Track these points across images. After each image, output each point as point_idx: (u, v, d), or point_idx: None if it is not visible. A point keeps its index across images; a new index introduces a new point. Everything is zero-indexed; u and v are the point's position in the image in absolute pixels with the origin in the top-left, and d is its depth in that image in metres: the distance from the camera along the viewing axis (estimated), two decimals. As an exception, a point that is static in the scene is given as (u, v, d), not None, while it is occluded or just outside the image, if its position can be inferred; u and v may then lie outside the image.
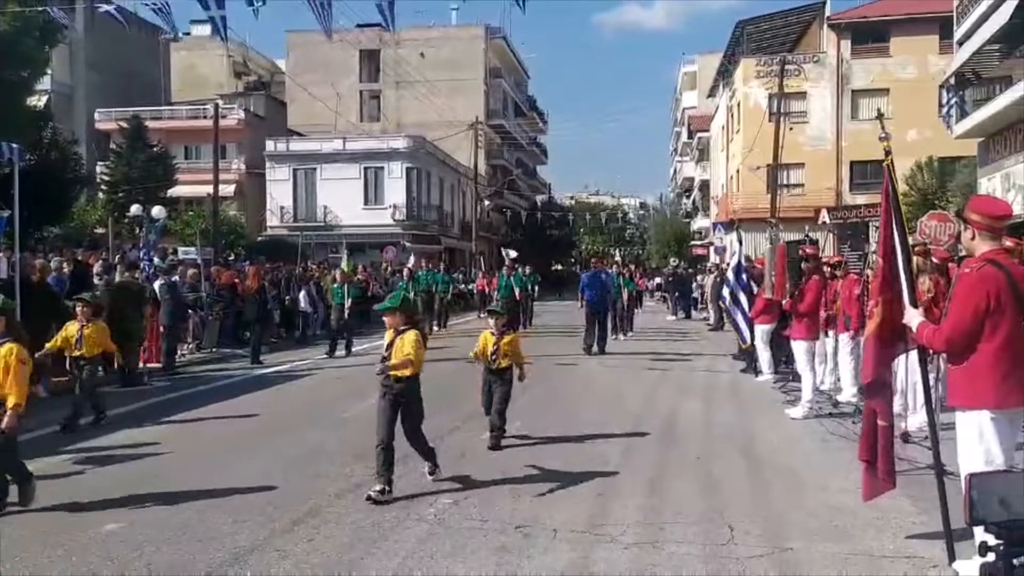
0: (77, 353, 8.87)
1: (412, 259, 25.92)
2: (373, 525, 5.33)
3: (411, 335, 6.06)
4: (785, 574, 4.60)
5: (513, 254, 24.62)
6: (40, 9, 16.04)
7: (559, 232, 67.65)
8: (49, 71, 31.39)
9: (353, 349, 16.16)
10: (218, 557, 4.75)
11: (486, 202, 55.54)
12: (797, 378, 10.26)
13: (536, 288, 25.84)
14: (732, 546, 5.00)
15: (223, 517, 5.51)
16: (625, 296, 20.68)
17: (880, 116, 5.30)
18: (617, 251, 36.46)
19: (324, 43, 50.36)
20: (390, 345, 6.13)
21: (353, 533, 5.20)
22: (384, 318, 6.32)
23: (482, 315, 22.01)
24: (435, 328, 21.08)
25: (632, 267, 31.65)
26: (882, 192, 5.04)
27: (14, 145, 11.41)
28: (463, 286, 33.91)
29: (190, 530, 5.24)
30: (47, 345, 8.70)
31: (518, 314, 20.71)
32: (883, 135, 5.07)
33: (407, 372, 6.08)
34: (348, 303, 16.05)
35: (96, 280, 14.43)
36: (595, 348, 15.91)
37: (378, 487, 5.88)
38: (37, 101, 30.24)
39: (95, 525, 5.35)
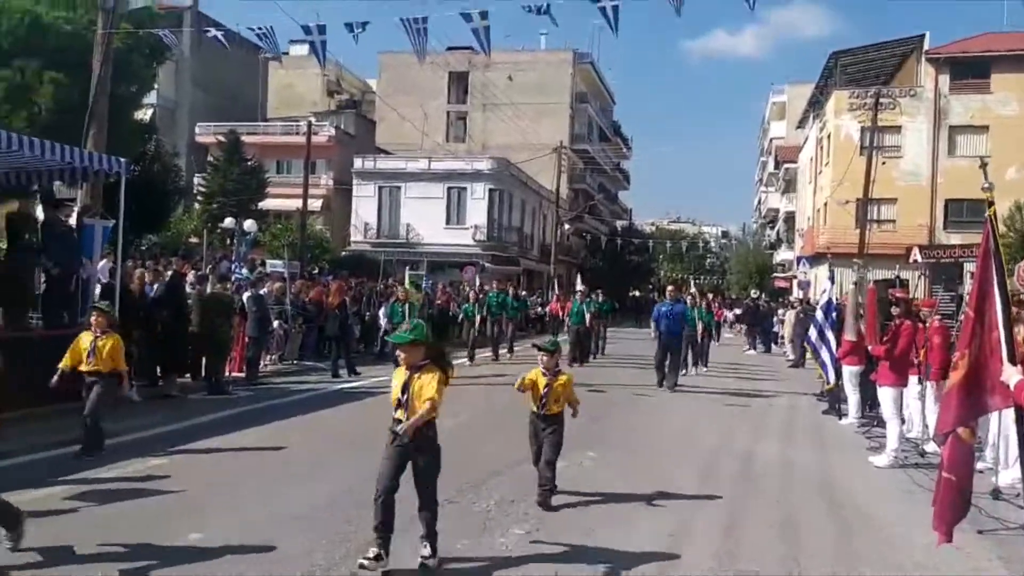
0: (87, 368, 7.79)
1: (477, 279, 25.76)
2: (444, 552, 5.36)
3: (433, 376, 5.01)
4: (863, 632, 4.48)
5: (581, 286, 24.07)
6: (152, 31, 16.80)
7: (638, 258, 67.25)
8: (156, 86, 32.82)
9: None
10: (295, 574, 4.86)
11: (566, 226, 55.59)
12: (883, 424, 9.96)
13: (610, 316, 25.35)
14: (809, 599, 4.89)
15: (299, 534, 5.64)
16: (700, 329, 19.44)
17: (984, 165, 5.16)
18: (693, 280, 34.20)
19: (415, 64, 51.23)
20: (405, 387, 5.05)
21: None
22: (398, 353, 5.21)
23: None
24: (502, 353, 20.51)
25: (710, 297, 30.29)
26: (982, 241, 4.90)
27: (121, 159, 11.94)
28: (538, 309, 33.83)
29: (270, 545, 5.38)
30: (60, 365, 7.77)
31: (588, 342, 20.44)
32: (986, 185, 4.93)
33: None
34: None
35: (188, 289, 15.00)
36: (667, 383, 15.13)
37: (372, 553, 4.94)
38: (143, 115, 31.65)
39: (180, 534, 5.54)
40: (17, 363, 9.70)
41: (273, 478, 7.32)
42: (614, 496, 7.13)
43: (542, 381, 6.76)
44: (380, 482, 5.09)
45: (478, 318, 20.35)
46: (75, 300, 11.45)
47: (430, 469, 5.22)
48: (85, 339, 7.82)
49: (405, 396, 5.03)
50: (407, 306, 15.93)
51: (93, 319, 7.97)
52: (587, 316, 19.91)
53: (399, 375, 5.13)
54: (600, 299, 23.60)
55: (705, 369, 19.75)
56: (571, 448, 9.06)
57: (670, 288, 17.49)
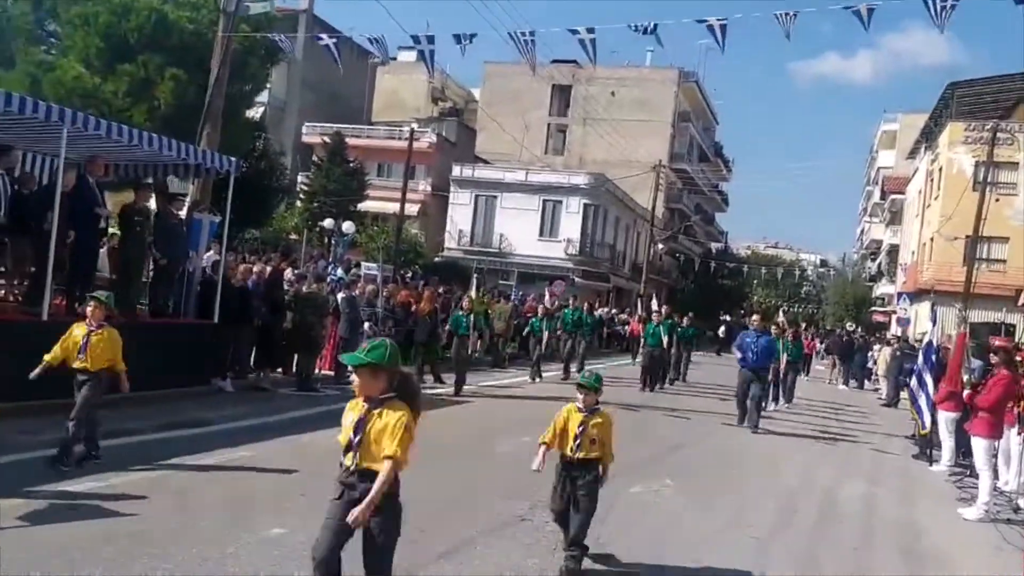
0: (79, 364, 6.87)
1: (547, 295, 24.86)
2: (514, 568, 5.44)
3: (398, 418, 3.85)
4: None
5: (656, 306, 23.54)
6: (268, 35, 17.50)
7: (731, 282, 66.16)
8: (268, 86, 34.01)
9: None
10: (367, 577, 4.99)
11: (660, 245, 55.10)
12: (976, 474, 9.57)
13: (695, 341, 24.17)
14: (881, 653, 4.75)
15: (375, 537, 5.77)
16: (784, 362, 17.70)
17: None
18: (781, 310, 32.45)
19: (518, 75, 52.05)
20: (360, 425, 3.90)
21: (495, 573, 5.32)
22: (353, 378, 4.09)
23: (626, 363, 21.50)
24: (572, 372, 19.16)
25: (798, 327, 28.12)
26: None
27: (232, 158, 12.46)
28: (621, 327, 33.49)
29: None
30: (46, 358, 6.82)
31: (662, 367, 19.43)
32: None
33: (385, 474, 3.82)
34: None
35: (287, 287, 15.49)
36: (748, 422, 13.60)
37: None
38: (254, 113, 32.83)
39: (262, 527, 5.75)
40: (127, 348, 10.26)
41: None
42: (688, 526, 7.06)
43: (576, 418, 5.62)
44: (315, 551, 3.97)
45: (546, 334, 19.39)
46: (180, 291, 11.99)
47: (384, 536, 3.98)
48: (78, 331, 6.82)
49: (358, 438, 3.89)
50: (471, 317, 14.95)
51: (88, 310, 6.89)
52: (664, 339, 18.81)
53: (353, 409, 3.99)
54: (686, 323, 22.84)
55: (787, 405, 18.44)
56: (649, 474, 9.06)
57: (755, 317, 15.81)
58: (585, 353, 20.94)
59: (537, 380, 17.91)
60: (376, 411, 3.92)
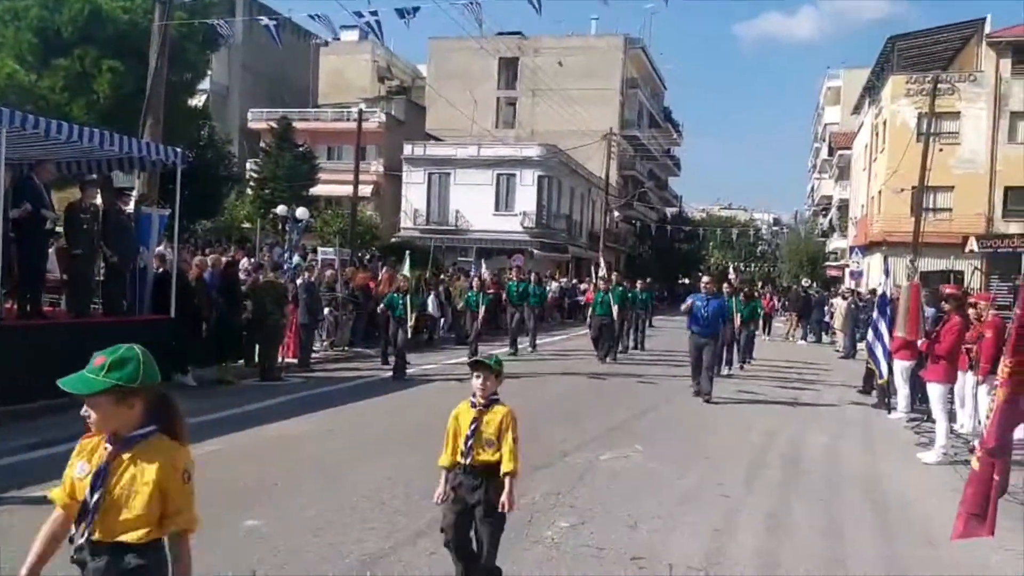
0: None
1: (484, 269, 23.26)
2: (492, 543, 5.46)
3: (160, 460, 2.67)
4: (908, 635, 4.46)
5: (603, 272, 22.12)
6: (205, 21, 17.14)
7: (688, 246, 66.78)
8: (209, 72, 33.34)
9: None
10: (346, 563, 5.01)
11: (615, 213, 55.35)
12: (933, 419, 9.83)
13: (652, 308, 23.09)
14: (853, 599, 4.89)
15: (352, 522, 5.79)
16: (737, 322, 17.14)
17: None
18: (731, 268, 30.58)
19: (464, 50, 51.70)
20: (101, 478, 2.63)
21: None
22: (86, 412, 2.71)
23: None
24: (522, 349, 18.87)
25: (752, 287, 27.40)
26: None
27: (177, 149, 12.23)
28: (581, 298, 33.52)
29: (322, 534, 5.53)
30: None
31: (613, 336, 18.24)
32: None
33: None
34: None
35: (243, 276, 15.30)
36: (704, 391, 12.64)
37: None
38: (197, 101, 32.20)
39: (236, 521, 5.72)
40: (83, 349, 10.07)
41: (325, 466, 7.50)
42: (660, 489, 7.17)
43: (467, 415, 4.35)
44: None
45: (482, 309, 17.38)
46: (133, 288, 11.79)
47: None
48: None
49: (97, 497, 2.62)
50: (408, 298, 13.71)
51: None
52: (614, 308, 17.72)
53: (86, 452, 2.73)
54: (640, 289, 22.02)
55: (745, 365, 18.10)
56: (618, 441, 9.17)
57: (705, 280, 14.07)
58: (536, 326, 20.06)
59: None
60: (127, 455, 2.64)
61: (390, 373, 13.86)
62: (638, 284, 22.60)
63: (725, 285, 17.36)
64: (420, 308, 16.31)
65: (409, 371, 14.27)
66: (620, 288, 19.12)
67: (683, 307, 13.78)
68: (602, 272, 22.44)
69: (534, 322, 19.93)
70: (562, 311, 31.29)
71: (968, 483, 4.71)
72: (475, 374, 4.39)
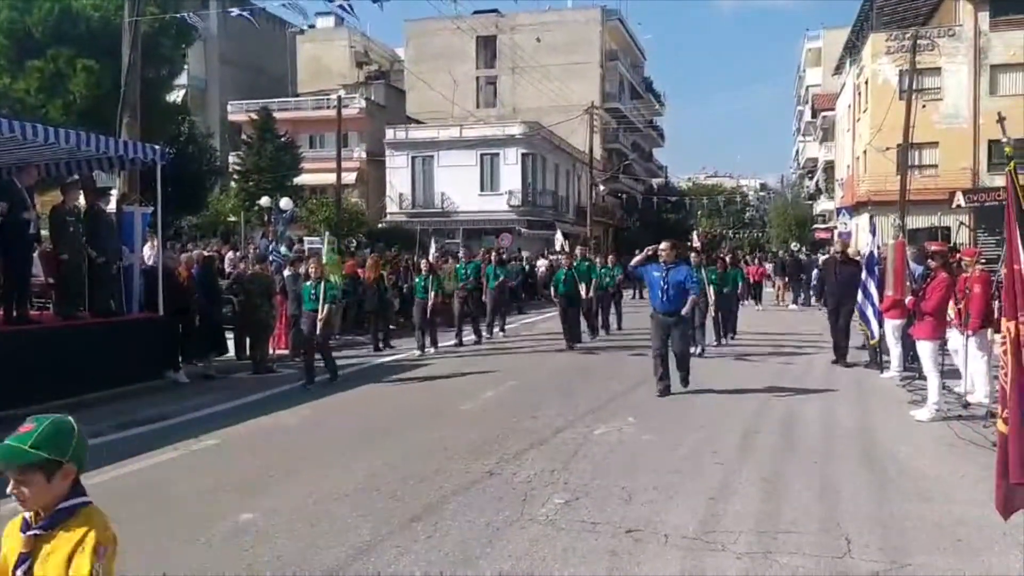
0: None
1: (433, 249, 21.89)
2: (487, 524, 5.50)
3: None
4: (903, 592, 4.50)
5: (559, 246, 20.50)
6: (176, 14, 16.97)
7: (676, 216, 66.82)
8: (185, 66, 33.07)
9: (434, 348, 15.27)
10: (343, 551, 5.02)
11: (601, 187, 55.28)
12: (925, 377, 9.87)
13: (618, 282, 19.80)
14: (849, 560, 4.92)
15: (347, 511, 5.80)
16: (711, 296, 14.95)
17: (1001, 120, 5.09)
18: (695, 232, 22.29)
19: (441, 31, 51.39)
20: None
21: (469, 531, 5.38)
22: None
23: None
24: (495, 332, 17.90)
25: (734, 255, 25.15)
26: (1008, 198, 4.76)
27: (156, 147, 12.14)
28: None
29: (318, 523, 5.55)
30: None
31: (579, 317, 16.45)
32: (1005, 140, 4.87)
33: None
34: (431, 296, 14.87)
35: (229, 269, 15.24)
36: (660, 386, 10.45)
37: None
38: (175, 97, 31.96)
39: (232, 514, 5.73)
40: (73, 352, 10.07)
41: (319, 455, 7.51)
42: (654, 460, 7.20)
43: (15, 543, 2.41)
44: None
45: (431, 295, 15.12)
46: (119, 288, 11.73)
47: None
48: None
49: None
50: (322, 286, 11.51)
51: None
52: (581, 286, 16.05)
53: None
54: (611, 263, 19.89)
55: (722, 342, 16.05)
56: (610, 415, 9.20)
57: (663, 246, 10.66)
58: (496, 309, 18.10)
59: (431, 350, 15.13)
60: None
61: (382, 360, 13.87)
62: (610, 259, 20.61)
63: (693, 255, 15.32)
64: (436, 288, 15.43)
65: (399, 356, 14.25)
66: (586, 263, 17.13)
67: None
68: (560, 245, 20.96)
69: (492, 304, 17.97)
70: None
71: (999, 452, 4.43)
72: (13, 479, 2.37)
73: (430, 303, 14.99)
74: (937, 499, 6.13)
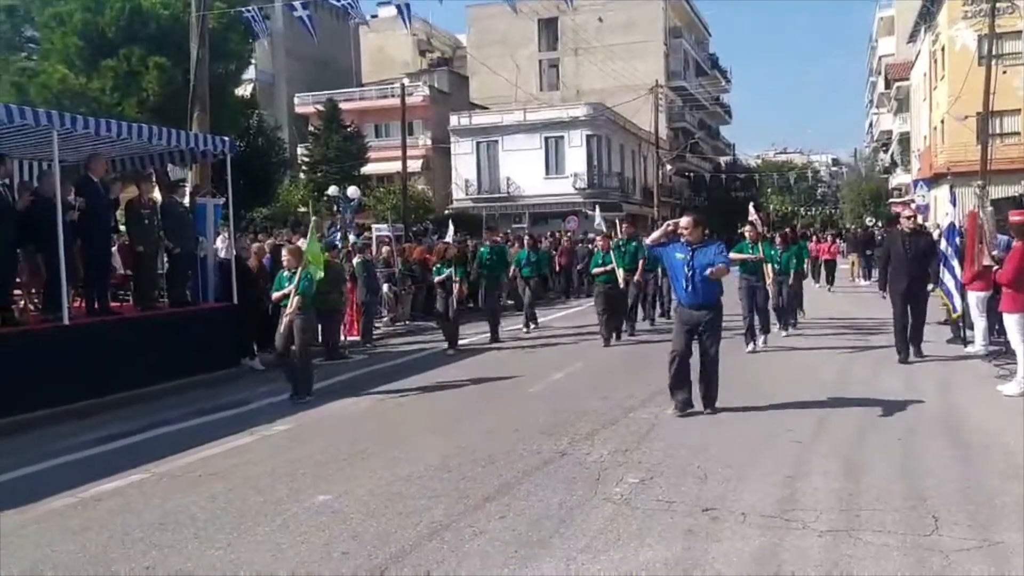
0: None
1: (451, 232, 19.91)
2: (560, 504, 5.45)
3: None
4: (994, 571, 4.31)
5: (599, 225, 18.01)
6: (242, 10, 17.20)
7: (744, 194, 65.55)
8: (253, 61, 33.66)
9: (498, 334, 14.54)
10: (417, 531, 5.03)
11: (668, 166, 54.56)
12: (1013, 350, 9.47)
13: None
14: (936, 537, 4.74)
15: (420, 492, 5.82)
16: (769, 274, 12.89)
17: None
18: (752, 205, 15.61)
19: (503, 15, 51.13)
20: None
21: (542, 511, 5.35)
22: None
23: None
24: (530, 328, 15.98)
25: (793, 229, 21.82)
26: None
27: (225, 138, 12.37)
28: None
29: (392, 504, 5.58)
30: None
31: (625, 306, 14.52)
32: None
33: None
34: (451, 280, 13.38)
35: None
36: (687, 405, 8.16)
37: None
38: (244, 91, 32.58)
39: (308, 496, 5.81)
40: (152, 342, 10.36)
41: (392, 438, 7.57)
42: (728, 439, 7.06)
43: None
44: None
45: (456, 283, 13.63)
46: (195, 279, 12.01)
47: None
48: None
49: None
50: (303, 275, 9.58)
51: None
52: (620, 273, 13.68)
53: None
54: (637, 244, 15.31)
55: (788, 330, 14.22)
56: (682, 394, 9.03)
57: (684, 222, 8.40)
58: (532, 300, 16.61)
59: (451, 351, 13.37)
60: None
61: (462, 342, 13.92)
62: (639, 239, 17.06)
63: (748, 228, 13.34)
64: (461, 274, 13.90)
65: (470, 340, 14.26)
66: (634, 243, 14.89)
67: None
68: (598, 224, 18.26)
69: (529, 295, 16.63)
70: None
71: None
72: None
73: (455, 293, 13.54)
74: (1029, 476, 5.86)
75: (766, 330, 12.92)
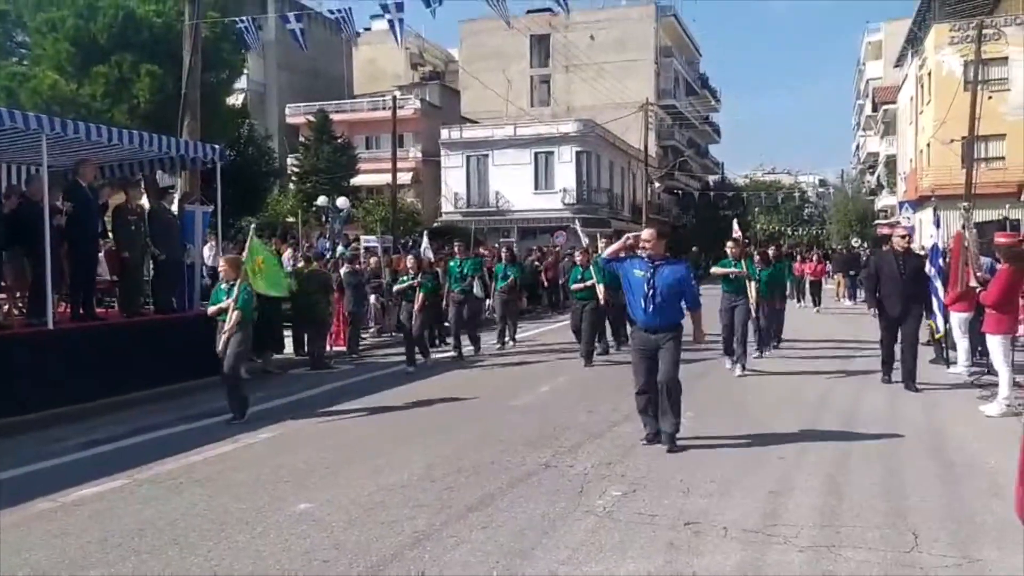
0: None
1: (425, 244, 19.54)
2: (543, 516, 5.46)
3: None
4: (974, 588, 4.34)
5: (583, 235, 17.57)
6: (236, 20, 17.18)
7: (733, 212, 65.89)
8: (245, 71, 33.66)
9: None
10: (399, 540, 5.02)
11: (656, 184, 54.79)
12: (994, 371, 9.55)
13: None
14: (916, 554, 4.77)
15: (403, 501, 5.81)
16: (753, 294, 12.07)
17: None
18: (735, 220, 16.72)
19: (495, 31, 51.41)
20: None
21: (525, 522, 5.35)
22: None
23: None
24: (507, 343, 15.61)
25: (779, 247, 21.74)
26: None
27: (216, 146, 12.37)
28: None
29: (374, 513, 5.57)
30: None
31: (600, 326, 13.88)
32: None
33: None
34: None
35: (288, 268, 15.38)
36: (658, 433, 7.36)
37: None
38: (235, 100, 32.56)
39: (290, 505, 5.78)
40: (137, 348, 10.31)
41: (376, 448, 7.55)
42: (713, 454, 7.08)
43: None
44: None
45: (419, 297, 12.59)
46: (181, 286, 11.97)
47: None
48: None
49: None
50: (242, 288, 8.75)
51: None
52: (600, 288, 12.96)
53: None
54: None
55: (763, 353, 13.47)
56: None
57: (646, 235, 7.49)
58: (503, 314, 15.88)
59: (410, 368, 12.45)
60: None
61: (436, 356, 13.91)
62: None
63: (731, 244, 12.39)
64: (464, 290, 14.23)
65: (454, 354, 14.20)
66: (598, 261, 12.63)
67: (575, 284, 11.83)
68: (584, 240, 17.43)
69: (501, 309, 16.02)
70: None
71: (1020, 453, 4.24)
72: None
73: (416, 306, 12.55)
74: (1008, 495, 5.87)
75: (742, 358, 11.90)
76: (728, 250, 12.32)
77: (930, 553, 4.77)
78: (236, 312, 8.67)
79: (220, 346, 8.75)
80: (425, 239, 20.31)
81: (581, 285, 13.35)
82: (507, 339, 15.74)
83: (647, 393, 7.30)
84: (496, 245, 31.55)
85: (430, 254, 18.91)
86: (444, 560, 4.71)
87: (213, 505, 5.80)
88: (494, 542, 4.99)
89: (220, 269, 9.09)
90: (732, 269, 11.96)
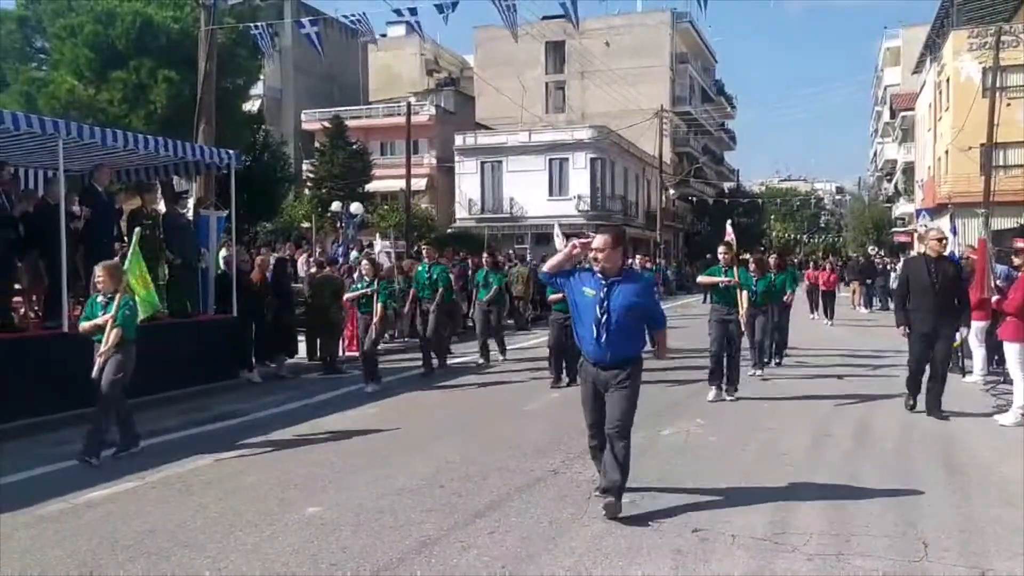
0: None
1: (378, 247, 17.25)
2: (551, 522, 5.45)
3: None
4: (984, 598, 4.30)
5: (559, 236, 15.90)
6: (251, 25, 17.28)
7: (748, 220, 65.66)
8: (262, 78, 33.84)
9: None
10: (406, 544, 5.03)
11: (671, 191, 54.71)
12: (1010, 380, 9.46)
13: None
14: (926, 563, 4.73)
15: (411, 506, 5.82)
16: (744, 303, 10.66)
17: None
18: (728, 223, 14.41)
19: (510, 37, 51.30)
20: None
21: (532, 528, 5.34)
22: None
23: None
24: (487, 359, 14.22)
25: (780, 255, 18.73)
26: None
27: (231, 151, 12.45)
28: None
29: (382, 517, 5.58)
30: None
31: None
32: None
33: None
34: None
35: (302, 273, 15.49)
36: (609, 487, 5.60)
37: None
38: (251, 106, 32.73)
39: (298, 508, 5.80)
40: (148, 351, 10.36)
41: (385, 452, 7.56)
42: (722, 462, 7.05)
43: None
44: None
45: (378, 306, 11.34)
46: (195, 290, 12.04)
47: None
48: None
49: None
50: (123, 302, 7.41)
51: None
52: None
53: None
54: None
55: (762, 371, 12.41)
56: (677, 417, 9.06)
57: (598, 242, 5.60)
58: (484, 327, 14.64)
59: (369, 387, 11.31)
60: None
61: (454, 361, 13.91)
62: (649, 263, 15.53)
63: (723, 249, 10.96)
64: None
65: (467, 359, 14.22)
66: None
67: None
68: (560, 243, 15.20)
69: (482, 321, 14.80)
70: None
71: None
72: None
73: (375, 317, 11.33)
74: (1020, 505, 5.85)
75: (734, 380, 10.53)
76: (720, 256, 10.91)
77: (940, 562, 4.73)
78: (115, 330, 7.25)
79: (95, 371, 7.29)
80: (378, 241, 18.17)
81: (559, 296, 10.20)
82: (502, 354, 14.68)
83: (599, 445, 5.78)
84: (512, 251, 31.61)
85: (388, 258, 16.68)
86: (451, 565, 4.71)
87: (222, 508, 5.83)
88: (501, 547, 4.99)
89: (97, 278, 7.54)
90: (722, 278, 10.55)
